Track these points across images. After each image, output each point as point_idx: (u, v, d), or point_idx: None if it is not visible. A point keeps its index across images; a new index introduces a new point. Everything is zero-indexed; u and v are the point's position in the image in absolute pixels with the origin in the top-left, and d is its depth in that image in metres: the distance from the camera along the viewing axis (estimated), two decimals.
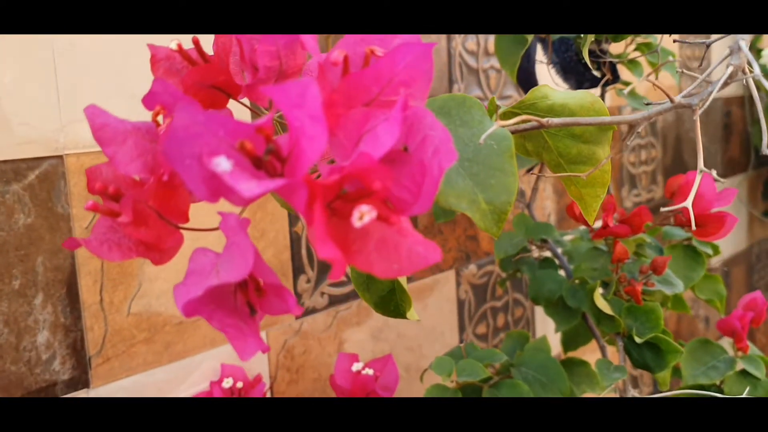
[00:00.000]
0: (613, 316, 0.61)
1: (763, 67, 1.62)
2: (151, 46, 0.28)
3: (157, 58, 0.28)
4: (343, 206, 0.23)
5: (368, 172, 0.21)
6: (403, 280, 0.31)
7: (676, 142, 1.58)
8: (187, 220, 0.26)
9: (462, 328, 1.07)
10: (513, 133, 0.29)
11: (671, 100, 0.30)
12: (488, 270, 1.11)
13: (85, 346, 0.66)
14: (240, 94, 0.28)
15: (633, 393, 0.58)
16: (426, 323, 1.01)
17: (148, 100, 0.24)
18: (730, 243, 1.84)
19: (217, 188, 0.21)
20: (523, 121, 0.29)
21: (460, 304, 1.07)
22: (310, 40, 0.25)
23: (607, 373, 0.60)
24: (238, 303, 0.24)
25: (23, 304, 0.62)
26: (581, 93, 0.31)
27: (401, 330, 0.98)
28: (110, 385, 0.67)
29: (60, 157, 0.63)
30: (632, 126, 0.30)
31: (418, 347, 1.00)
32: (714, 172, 0.30)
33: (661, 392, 0.60)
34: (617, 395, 0.61)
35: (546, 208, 1.20)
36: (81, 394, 0.66)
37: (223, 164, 0.20)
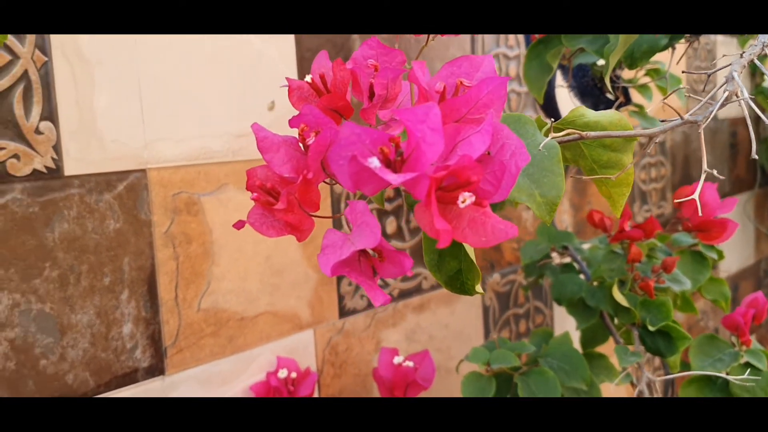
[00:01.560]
0: (629, 308, 0.69)
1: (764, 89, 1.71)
2: (288, 79, 0.37)
3: (292, 88, 0.37)
4: (443, 195, 0.31)
5: (467, 168, 0.29)
6: (472, 255, 0.40)
7: (684, 160, 1.66)
8: (318, 209, 0.34)
9: (487, 333, 1.15)
10: (558, 143, 0.38)
11: (681, 117, 0.38)
12: (511, 279, 1.19)
13: (162, 337, 0.74)
14: (351, 115, 0.36)
15: (648, 375, 0.66)
16: (454, 327, 1.10)
17: (295, 121, 0.33)
18: (738, 258, 1.92)
19: (357, 181, 0.30)
20: (567, 134, 0.38)
21: (485, 310, 1.15)
22: (420, 72, 0.34)
23: (624, 357, 0.68)
24: (362, 267, 0.32)
25: (112, 299, 0.70)
26: (611, 112, 0.40)
27: (432, 332, 1.06)
28: (182, 374, 0.76)
29: (143, 170, 0.73)
30: (651, 138, 0.39)
31: (447, 349, 1.08)
32: (715, 172, 0.38)
33: (671, 374, 0.68)
34: (633, 380, 0.69)
35: (564, 221, 1.28)
36: (157, 380, 0.74)
37: (375, 162, 0.28)
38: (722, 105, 0.36)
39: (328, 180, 0.36)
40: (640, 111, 0.99)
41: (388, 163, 0.30)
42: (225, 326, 0.79)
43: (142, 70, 0.72)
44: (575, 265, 0.93)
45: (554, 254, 0.94)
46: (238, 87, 0.79)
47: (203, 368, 0.78)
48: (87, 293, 0.69)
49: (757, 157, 0.38)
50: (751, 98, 0.41)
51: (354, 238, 0.31)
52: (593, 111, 0.40)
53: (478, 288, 0.42)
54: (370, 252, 0.33)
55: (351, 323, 0.94)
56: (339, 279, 0.92)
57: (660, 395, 0.71)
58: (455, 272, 0.43)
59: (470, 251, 0.41)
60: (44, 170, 0.65)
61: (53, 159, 0.66)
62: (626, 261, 0.74)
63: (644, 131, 0.38)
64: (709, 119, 0.36)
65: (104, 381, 0.70)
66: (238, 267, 0.80)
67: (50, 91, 0.66)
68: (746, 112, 0.37)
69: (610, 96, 0.96)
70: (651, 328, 0.67)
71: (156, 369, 0.74)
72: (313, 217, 0.35)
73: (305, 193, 0.33)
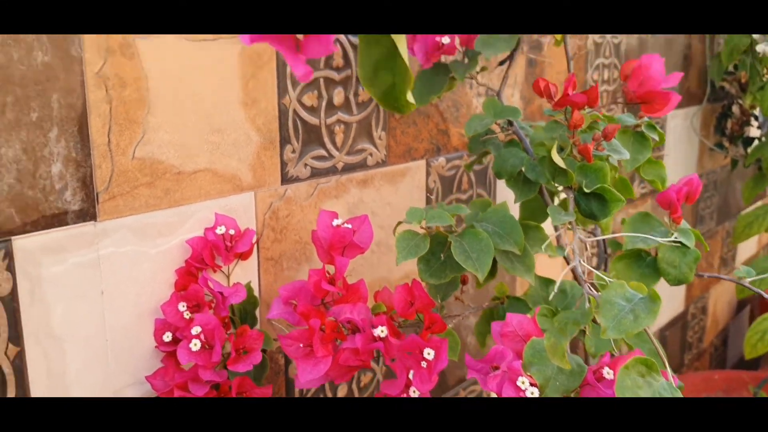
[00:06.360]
0: (566, 170, 0.70)
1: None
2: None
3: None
4: None
5: None
6: (407, 62, 0.39)
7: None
8: None
9: None
10: None
11: None
12: (456, 164, 1.20)
13: (93, 181, 0.72)
14: None
15: (580, 234, 0.67)
16: (397, 205, 1.10)
17: None
18: (681, 170, 1.96)
19: None
20: None
21: (429, 192, 1.15)
22: None
23: (558, 216, 0.69)
24: (285, 40, 0.31)
25: (40, 135, 0.68)
26: None
27: (375, 209, 1.06)
28: (115, 221, 0.74)
29: None
30: None
31: (389, 226, 1.09)
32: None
33: (603, 236, 0.69)
34: (564, 239, 0.70)
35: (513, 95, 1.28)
36: (89, 225, 0.72)
37: None
38: None
39: None
40: None
41: None
42: (161, 178, 0.78)
43: None
44: (520, 142, 0.93)
45: (499, 131, 0.94)
46: None
47: (137, 218, 0.76)
48: (12, 127, 0.66)
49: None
50: None
51: None
52: None
53: (409, 96, 0.41)
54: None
55: (293, 190, 0.93)
56: (282, 145, 0.90)
57: (590, 268, 0.73)
58: (389, 87, 0.42)
59: (405, 56, 0.40)
60: None
61: None
62: (568, 128, 0.75)
63: None
64: None
65: (31, 219, 0.68)
66: (175, 119, 0.78)
67: None
68: None
69: None
70: (586, 191, 0.68)
71: (87, 213, 0.72)
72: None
73: None
